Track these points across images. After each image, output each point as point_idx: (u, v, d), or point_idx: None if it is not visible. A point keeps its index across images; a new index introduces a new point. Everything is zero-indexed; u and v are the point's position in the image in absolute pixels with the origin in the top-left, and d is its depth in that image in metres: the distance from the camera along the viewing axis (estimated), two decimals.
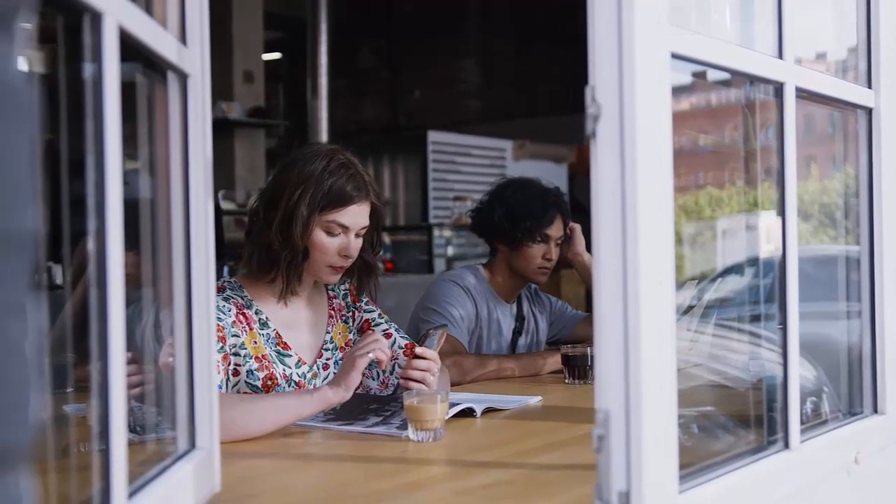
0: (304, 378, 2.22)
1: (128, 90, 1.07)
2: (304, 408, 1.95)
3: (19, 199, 0.53)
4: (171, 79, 1.32)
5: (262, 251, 2.18)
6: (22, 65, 0.55)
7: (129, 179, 1.07)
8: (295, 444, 1.89)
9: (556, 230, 2.97)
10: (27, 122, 0.54)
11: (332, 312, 2.35)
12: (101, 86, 0.99)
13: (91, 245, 0.99)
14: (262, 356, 2.16)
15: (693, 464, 1.30)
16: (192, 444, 1.35)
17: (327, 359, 2.30)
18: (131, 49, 1.09)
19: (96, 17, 0.98)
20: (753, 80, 1.53)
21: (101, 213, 0.99)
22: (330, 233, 2.17)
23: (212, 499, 1.39)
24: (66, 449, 1.27)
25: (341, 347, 2.33)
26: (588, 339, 2.93)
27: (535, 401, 2.31)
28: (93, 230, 0.99)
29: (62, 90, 1.05)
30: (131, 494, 1.07)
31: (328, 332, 2.32)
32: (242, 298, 2.20)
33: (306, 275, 2.24)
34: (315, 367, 2.26)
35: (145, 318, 1.53)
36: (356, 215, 2.18)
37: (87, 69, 1.00)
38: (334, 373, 2.27)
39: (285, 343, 2.21)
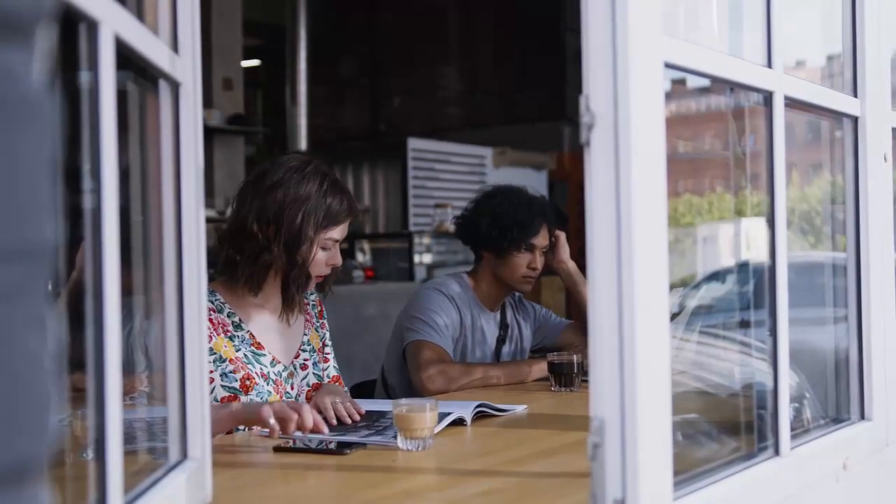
0: (280, 377, 2.29)
1: (118, 99, 1.06)
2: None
3: (40, 210, 0.53)
4: (163, 87, 1.31)
5: (261, 271, 2.23)
6: (41, 76, 0.55)
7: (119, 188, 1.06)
8: (286, 454, 1.88)
9: (541, 240, 2.98)
10: (47, 133, 0.54)
11: (308, 316, 2.44)
12: (98, 94, 0.98)
13: (87, 254, 0.99)
14: (236, 358, 2.21)
15: (686, 471, 1.31)
16: (184, 455, 1.34)
17: (305, 359, 2.38)
18: (123, 57, 1.09)
19: (92, 26, 0.97)
20: (744, 88, 1.54)
21: (97, 221, 0.98)
22: (324, 248, 2.27)
23: None
24: (57, 459, 1.26)
25: (318, 350, 2.42)
26: (572, 347, 2.94)
27: (521, 409, 2.31)
28: (89, 239, 0.98)
29: (56, 98, 1.04)
30: None
31: (305, 335, 2.40)
32: (213, 302, 2.24)
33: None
34: (291, 367, 2.33)
35: (130, 325, 1.52)
36: (345, 228, 2.31)
37: (83, 77, 0.99)
38: (313, 373, 2.37)
39: (259, 343, 2.27)
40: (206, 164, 7.64)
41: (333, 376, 2.44)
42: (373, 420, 2.12)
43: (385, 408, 2.19)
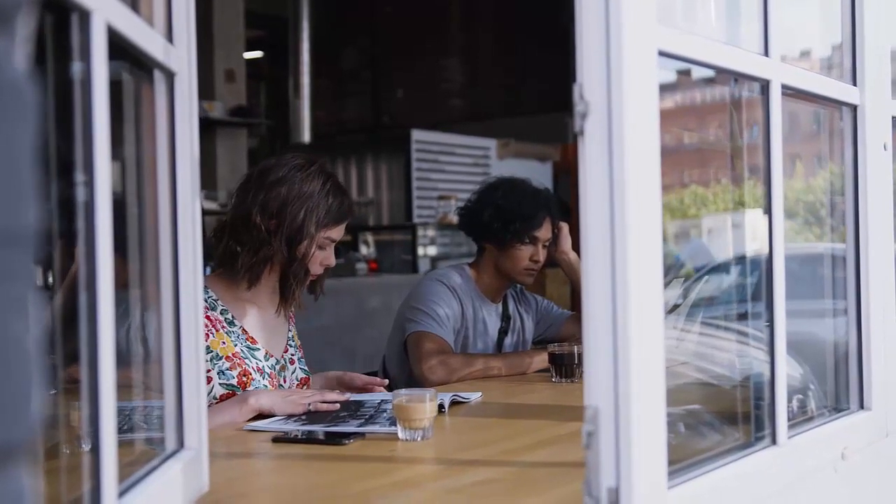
0: (274, 370, 2.32)
1: (113, 89, 1.06)
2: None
3: (23, 196, 0.53)
4: (158, 77, 1.31)
5: (261, 264, 2.26)
6: (22, 63, 0.55)
7: (113, 179, 1.06)
8: (284, 445, 1.88)
9: (544, 232, 2.97)
10: (29, 119, 0.55)
11: (291, 313, 2.47)
12: (90, 84, 0.98)
13: (80, 246, 0.99)
14: (233, 354, 2.23)
15: (682, 460, 1.31)
16: (181, 444, 1.35)
17: (291, 354, 2.42)
18: (117, 47, 1.09)
19: (84, 16, 0.97)
20: (740, 77, 1.54)
21: (90, 213, 0.98)
22: (321, 247, 2.30)
23: (200, 498, 1.39)
24: (51, 450, 1.26)
25: (299, 346, 2.47)
26: (574, 338, 2.94)
27: (475, 397, 2.33)
28: (82, 231, 0.98)
29: (48, 89, 1.04)
30: (121, 494, 1.06)
31: (290, 331, 2.44)
32: (206, 300, 2.25)
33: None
34: (283, 361, 2.37)
35: (130, 319, 1.53)
36: (342, 230, 2.35)
37: (75, 68, 0.99)
38: (300, 368, 2.42)
39: (252, 338, 2.30)
40: (209, 156, 7.67)
41: (302, 378, 2.45)
42: (354, 410, 2.11)
43: (365, 398, 2.24)
